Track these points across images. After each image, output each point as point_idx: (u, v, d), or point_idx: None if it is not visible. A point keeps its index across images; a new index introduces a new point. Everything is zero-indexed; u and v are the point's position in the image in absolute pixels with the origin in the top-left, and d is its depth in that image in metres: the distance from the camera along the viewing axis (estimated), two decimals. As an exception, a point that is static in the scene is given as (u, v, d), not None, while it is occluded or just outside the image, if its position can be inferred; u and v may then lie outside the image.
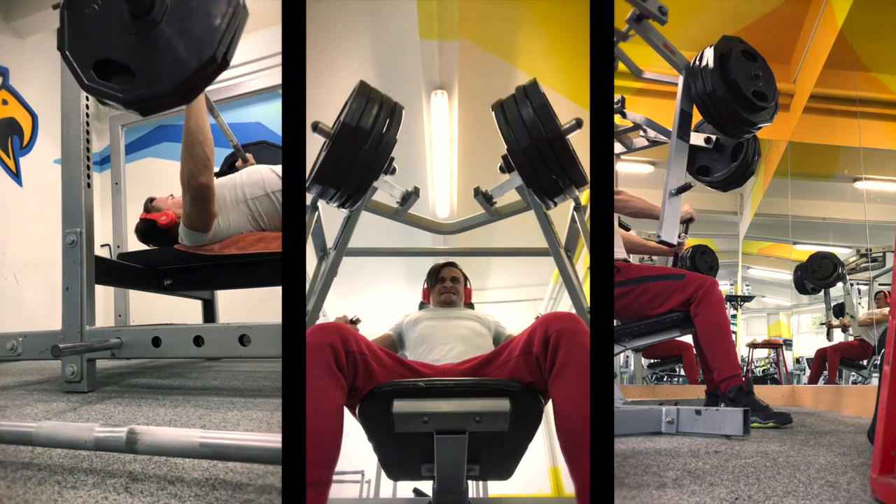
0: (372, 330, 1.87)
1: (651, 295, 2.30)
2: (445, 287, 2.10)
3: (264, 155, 3.12)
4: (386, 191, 1.74)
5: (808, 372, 5.24)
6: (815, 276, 4.98)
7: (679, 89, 2.04)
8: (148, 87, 1.18)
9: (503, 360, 1.31)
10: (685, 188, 1.98)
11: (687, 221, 2.48)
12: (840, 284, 4.98)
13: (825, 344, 4.99)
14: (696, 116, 2.10)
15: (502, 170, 1.65)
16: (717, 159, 2.57)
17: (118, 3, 1.19)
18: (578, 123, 1.47)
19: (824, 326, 5.12)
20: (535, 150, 1.43)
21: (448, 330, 1.84)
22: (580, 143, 1.54)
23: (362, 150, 1.42)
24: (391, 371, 1.29)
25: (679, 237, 2.32)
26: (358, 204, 1.57)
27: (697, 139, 2.30)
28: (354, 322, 1.66)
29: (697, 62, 1.98)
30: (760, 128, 2.02)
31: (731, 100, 1.90)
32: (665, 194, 1.97)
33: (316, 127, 1.48)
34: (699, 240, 5.51)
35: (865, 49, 4.47)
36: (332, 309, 3.93)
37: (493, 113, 1.52)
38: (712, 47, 1.96)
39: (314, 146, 1.44)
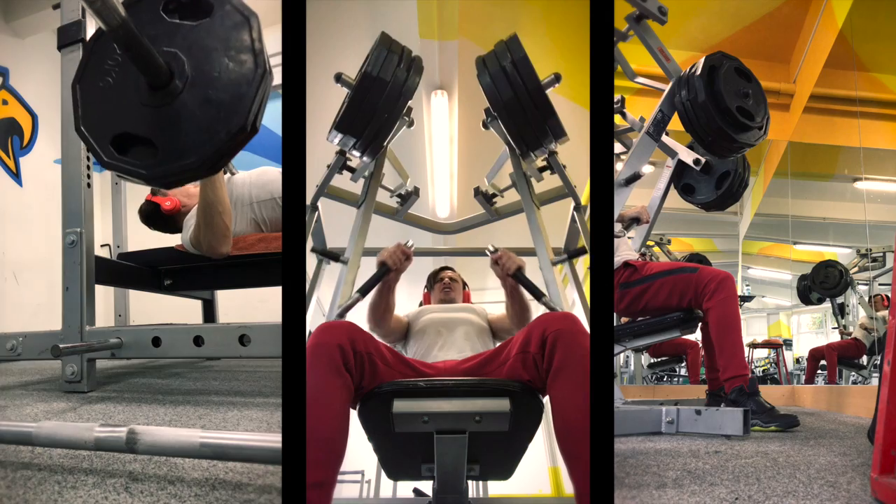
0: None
1: (668, 289, 2.28)
2: (445, 284, 2.14)
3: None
4: (387, 187, 1.78)
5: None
6: (822, 286, 4.92)
7: (664, 94, 2.04)
8: (174, 161, 1.11)
9: (502, 360, 1.31)
10: (634, 178, 1.96)
11: (633, 220, 2.46)
12: (847, 290, 4.93)
13: (821, 344, 4.99)
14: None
15: (484, 125, 1.68)
16: (703, 181, 2.56)
17: (135, 75, 1.13)
18: (557, 78, 1.51)
19: (834, 330, 5.08)
20: (515, 101, 1.47)
21: (449, 321, 1.89)
22: (580, 142, 1.54)
23: (383, 95, 1.45)
24: (395, 370, 1.29)
25: (619, 233, 2.32)
26: (378, 153, 1.61)
27: (687, 157, 2.28)
28: (409, 246, 1.67)
29: (688, 71, 1.96)
30: (743, 148, 1.97)
31: (713, 110, 1.86)
32: (614, 183, 1.95)
33: (339, 78, 1.51)
34: (700, 240, 5.52)
35: (865, 49, 4.47)
36: (332, 309, 3.93)
37: (475, 67, 1.55)
38: (705, 58, 1.93)
39: (314, 146, 1.45)
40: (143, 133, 1.13)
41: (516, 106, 1.49)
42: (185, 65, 1.12)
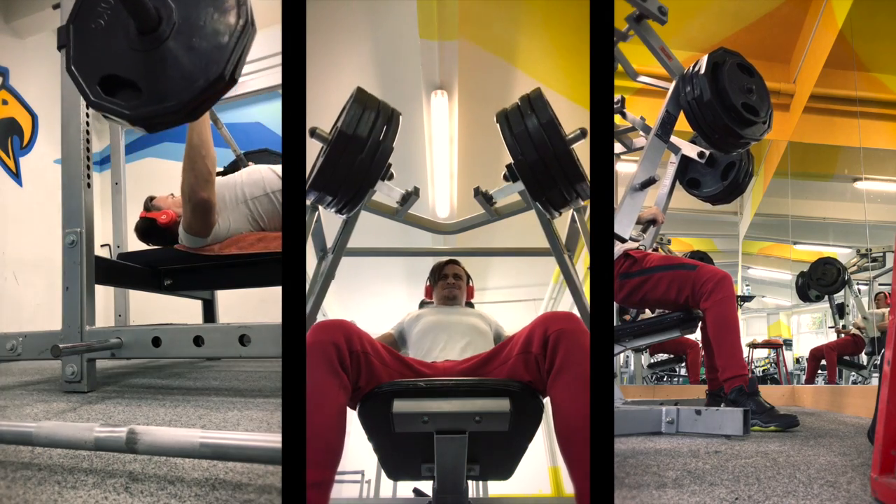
0: (372, 330, 1.87)
1: (665, 284, 2.28)
2: (448, 283, 2.12)
3: (266, 161, 3.12)
4: (385, 193, 1.75)
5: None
6: (819, 283, 4.94)
7: (669, 93, 2.04)
8: (155, 104, 1.17)
9: (503, 360, 1.31)
10: (649, 183, 1.97)
11: (650, 222, 2.46)
12: (845, 288, 4.95)
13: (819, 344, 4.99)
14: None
15: (506, 178, 1.65)
16: (708, 174, 2.56)
17: (125, 19, 1.17)
18: (583, 133, 1.47)
19: (832, 329, 5.09)
20: (541, 164, 1.44)
21: (450, 325, 1.84)
22: (580, 142, 1.54)
23: (359, 158, 1.42)
24: (393, 370, 1.29)
25: (638, 237, 2.31)
26: (355, 210, 1.57)
27: (691, 151, 2.28)
28: None
29: (691, 69, 1.97)
30: (748, 143, 1.99)
31: (719, 107, 1.87)
32: (628, 188, 1.95)
33: (314, 133, 1.47)
34: (700, 240, 5.52)
35: (865, 49, 4.47)
36: (332, 309, 3.93)
37: (496, 123, 1.52)
38: (707, 55, 1.94)
39: (314, 146, 1.44)
40: (129, 75, 1.18)
41: (544, 175, 1.45)
42: (173, 12, 1.17)
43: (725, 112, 1.87)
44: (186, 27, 1.16)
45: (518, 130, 1.45)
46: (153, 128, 1.22)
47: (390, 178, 1.64)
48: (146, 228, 2.51)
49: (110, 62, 1.19)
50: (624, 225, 1.94)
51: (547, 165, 1.43)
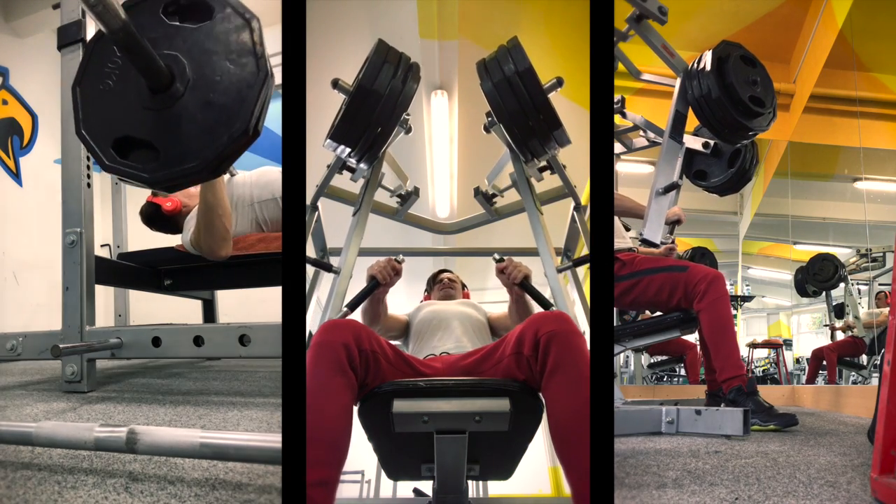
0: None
1: (656, 286, 2.28)
2: (444, 284, 2.16)
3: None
4: (388, 186, 1.78)
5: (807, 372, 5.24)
6: (816, 278, 4.98)
7: (675, 91, 2.04)
8: (175, 164, 1.11)
9: (497, 359, 1.31)
10: (672, 187, 1.98)
11: (674, 223, 2.46)
12: (842, 286, 4.97)
13: (822, 344, 4.99)
14: (694, 121, 2.09)
15: (486, 129, 1.67)
16: (714, 164, 2.56)
17: (135, 78, 1.12)
18: (559, 82, 1.51)
19: (827, 328, 5.11)
20: (518, 108, 1.46)
21: (447, 310, 1.90)
22: (580, 142, 1.54)
23: (378, 108, 1.45)
24: (396, 369, 1.29)
25: (666, 238, 2.32)
26: (375, 159, 1.61)
27: (695, 143, 2.29)
28: (400, 262, 1.69)
29: (695, 65, 1.97)
30: (757, 134, 2.01)
31: (727, 103, 1.89)
32: (652, 193, 1.96)
33: (336, 84, 1.50)
34: (699, 240, 5.51)
35: (865, 49, 4.47)
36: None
37: (475, 69, 1.55)
38: (711, 51, 1.95)
39: (314, 146, 1.45)
40: (144, 136, 1.13)
41: (521, 116, 1.49)
42: (185, 68, 1.11)
43: (734, 107, 1.89)
44: (202, 83, 1.11)
45: (497, 78, 1.48)
46: (173, 189, 1.17)
47: (409, 131, 1.67)
48: (151, 213, 2.47)
49: (123, 123, 1.14)
50: (654, 230, 1.96)
51: (525, 111, 1.45)
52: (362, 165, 1.68)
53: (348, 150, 1.55)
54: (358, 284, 1.68)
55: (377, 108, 1.46)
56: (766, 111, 1.94)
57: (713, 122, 1.95)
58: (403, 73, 1.49)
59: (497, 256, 1.71)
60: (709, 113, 1.93)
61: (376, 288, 1.63)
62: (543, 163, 1.82)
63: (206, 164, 1.10)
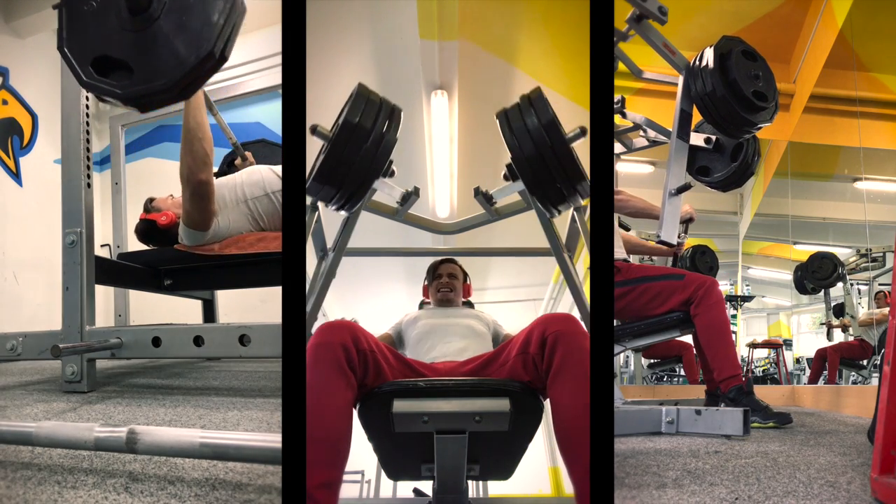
0: (371, 330, 1.87)
1: (651, 295, 2.30)
2: (442, 283, 2.10)
3: (263, 153, 3.12)
4: (385, 192, 1.75)
5: (808, 372, 5.24)
6: (815, 276, 4.98)
7: (679, 89, 2.04)
8: (146, 83, 1.19)
9: (502, 361, 1.31)
10: (685, 188, 1.98)
11: (686, 221, 2.48)
12: (840, 284, 4.98)
13: (825, 344, 4.98)
14: (696, 116, 2.10)
15: (506, 178, 1.65)
16: (716, 159, 2.56)
17: (116, 0, 1.20)
18: (583, 132, 1.47)
19: (824, 326, 5.12)
20: (540, 161, 1.44)
21: (447, 327, 1.83)
22: (580, 142, 1.53)
23: (363, 148, 1.42)
24: (397, 370, 1.29)
25: (679, 237, 2.32)
26: (357, 206, 1.57)
27: (697, 139, 2.30)
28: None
29: (697, 62, 1.97)
30: (760, 128, 2.02)
31: (731, 100, 1.90)
32: (665, 194, 1.97)
33: (315, 130, 1.47)
34: (699, 240, 5.51)
35: (865, 49, 4.47)
36: (332, 310, 3.93)
37: (496, 121, 1.52)
38: (712, 47, 1.95)
39: (314, 146, 1.44)
40: (120, 56, 1.20)
41: (544, 171, 1.45)
42: None
43: (738, 103, 1.90)
44: (177, 6, 1.19)
45: (518, 129, 1.45)
46: (145, 107, 1.25)
47: (391, 175, 1.64)
48: (146, 230, 2.52)
49: (102, 43, 1.21)
50: (669, 232, 1.97)
51: (546, 163, 1.43)
52: (343, 213, 1.66)
53: (332, 192, 1.53)
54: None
55: (354, 165, 1.45)
56: (769, 105, 1.95)
57: (718, 119, 1.95)
58: (383, 124, 1.46)
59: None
60: (714, 110, 1.94)
61: None
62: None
63: (174, 84, 1.19)
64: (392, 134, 1.46)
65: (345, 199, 1.52)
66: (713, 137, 2.31)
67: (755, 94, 1.92)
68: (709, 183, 2.61)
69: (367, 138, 1.41)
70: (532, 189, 1.49)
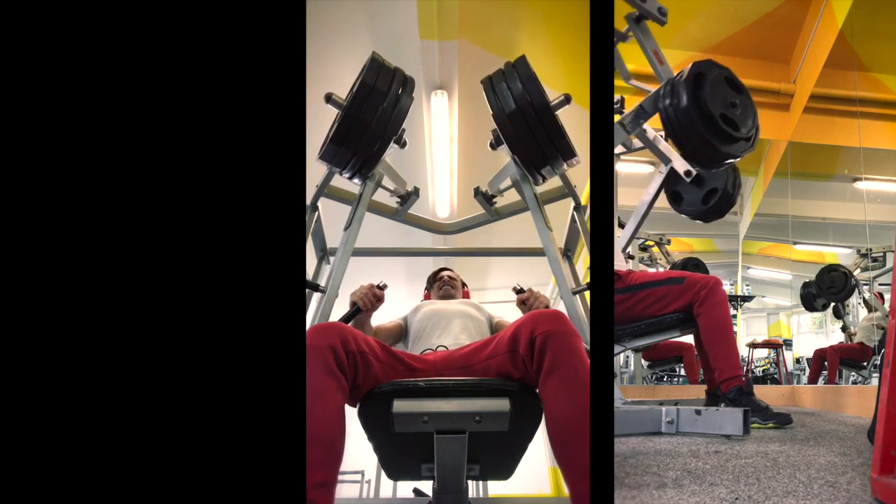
0: (377, 322, 1.88)
1: (652, 300, 2.27)
2: (444, 282, 2.16)
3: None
4: (388, 181, 1.76)
5: (808, 372, 5.24)
6: (830, 291, 4.84)
7: (651, 93, 2.00)
8: None
9: (489, 353, 1.31)
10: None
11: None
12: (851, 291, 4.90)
13: (824, 344, 4.98)
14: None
15: (492, 145, 1.66)
16: (691, 192, 2.51)
17: None
18: (567, 99, 1.49)
19: (829, 327, 5.07)
20: (521, 118, 1.45)
21: (446, 309, 1.90)
22: (580, 142, 1.54)
23: (380, 108, 1.44)
24: (387, 366, 1.30)
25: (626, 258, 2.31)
26: (372, 170, 1.59)
27: (680, 167, 2.21)
28: (382, 288, 1.69)
29: (677, 76, 1.91)
30: (727, 160, 1.87)
31: (694, 115, 1.76)
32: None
33: (329, 98, 1.49)
34: (699, 240, 5.52)
35: (865, 49, 4.47)
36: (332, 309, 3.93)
37: (481, 86, 1.54)
38: (693, 63, 1.88)
39: (314, 147, 1.45)
40: None
41: (523, 127, 1.46)
42: None
43: (702, 121, 1.76)
44: None
45: (500, 90, 1.47)
46: None
47: (404, 145, 1.66)
48: None
49: None
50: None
51: (527, 120, 1.44)
52: (356, 181, 1.66)
53: (349, 154, 1.54)
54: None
55: (369, 128, 1.44)
56: (740, 136, 1.82)
57: (677, 132, 1.82)
58: (398, 89, 1.48)
59: (517, 287, 1.71)
60: (674, 121, 1.81)
61: (358, 313, 1.64)
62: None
63: None
64: (406, 100, 1.48)
65: (360, 163, 1.53)
66: (694, 171, 2.21)
67: (723, 118, 1.78)
68: (676, 209, 2.59)
69: (384, 99, 1.43)
70: (514, 148, 1.50)
